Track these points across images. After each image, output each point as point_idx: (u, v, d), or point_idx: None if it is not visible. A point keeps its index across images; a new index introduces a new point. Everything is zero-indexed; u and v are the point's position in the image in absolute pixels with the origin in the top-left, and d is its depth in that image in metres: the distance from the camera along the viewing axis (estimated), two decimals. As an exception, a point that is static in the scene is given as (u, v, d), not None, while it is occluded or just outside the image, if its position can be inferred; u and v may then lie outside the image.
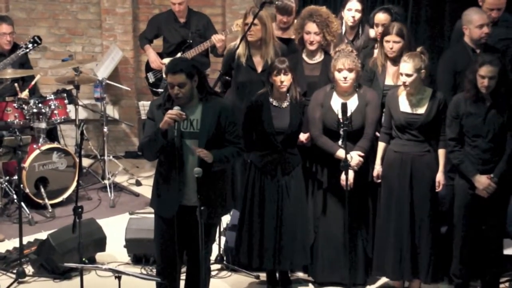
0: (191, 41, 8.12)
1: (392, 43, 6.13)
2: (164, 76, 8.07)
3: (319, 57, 6.37)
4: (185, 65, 5.10)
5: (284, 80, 5.85)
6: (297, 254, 6.00)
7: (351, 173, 5.82)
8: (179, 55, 8.01)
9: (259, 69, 6.50)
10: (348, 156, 5.69)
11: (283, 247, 5.96)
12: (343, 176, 5.79)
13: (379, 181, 5.96)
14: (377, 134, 6.05)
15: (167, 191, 5.21)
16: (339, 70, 5.88)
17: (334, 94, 6.00)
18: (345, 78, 5.87)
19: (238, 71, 6.56)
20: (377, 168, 5.97)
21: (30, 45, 7.95)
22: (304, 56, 6.39)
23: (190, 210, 5.07)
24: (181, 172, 5.12)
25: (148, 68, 8.42)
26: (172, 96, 5.09)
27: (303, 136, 6.07)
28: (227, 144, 5.20)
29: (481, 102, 5.71)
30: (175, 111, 5.03)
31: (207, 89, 5.20)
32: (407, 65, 5.78)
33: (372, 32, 6.83)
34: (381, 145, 5.99)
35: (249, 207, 6.01)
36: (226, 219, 6.76)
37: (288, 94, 5.94)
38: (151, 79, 8.40)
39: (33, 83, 8.03)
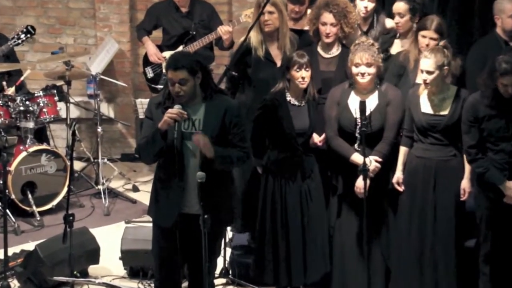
0: (194, 33, 8.10)
1: (429, 39, 6.09)
2: (164, 71, 8.07)
3: (335, 51, 6.37)
4: (187, 60, 5.10)
5: (305, 76, 5.85)
6: (319, 261, 6.01)
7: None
8: (180, 48, 8.01)
9: (279, 63, 6.46)
10: (367, 160, 5.68)
11: (308, 257, 5.97)
12: (357, 183, 5.81)
13: (401, 189, 5.96)
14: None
15: (166, 198, 5.22)
16: (357, 65, 5.87)
17: (352, 92, 5.99)
18: (362, 74, 5.86)
19: (257, 67, 6.49)
20: (398, 175, 5.97)
21: (22, 36, 7.97)
22: (319, 49, 6.39)
23: (191, 219, 5.08)
24: (181, 176, 5.13)
25: (146, 62, 8.42)
26: (173, 94, 5.10)
27: (317, 138, 6.08)
28: (231, 147, 5.18)
29: (502, 103, 5.66)
30: (175, 110, 5.03)
31: (211, 87, 5.20)
32: (428, 61, 5.75)
33: (389, 22, 6.82)
34: (402, 150, 5.98)
35: (271, 219, 5.98)
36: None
37: (305, 92, 5.94)
38: (150, 74, 8.41)
39: (22, 78, 8.05)
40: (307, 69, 5.86)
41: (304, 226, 5.96)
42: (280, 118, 5.89)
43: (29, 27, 8.01)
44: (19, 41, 7.96)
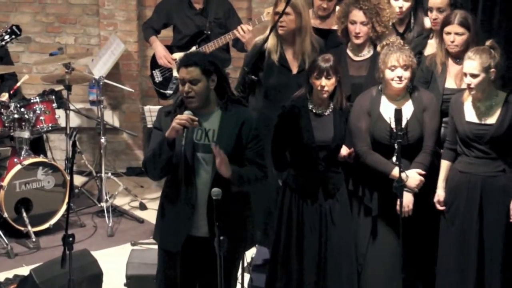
0: (209, 32, 8.11)
1: (454, 35, 6.08)
2: (174, 75, 8.04)
3: (367, 53, 6.37)
4: (201, 58, 5.11)
5: (325, 85, 5.80)
6: None
7: (409, 197, 5.77)
8: (193, 49, 8.00)
9: (295, 70, 6.50)
10: (403, 175, 5.64)
11: (327, 285, 5.94)
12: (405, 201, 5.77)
13: (442, 209, 5.92)
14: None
15: (173, 217, 5.20)
16: (392, 68, 5.84)
17: (383, 98, 5.97)
18: (399, 77, 5.84)
19: (269, 72, 6.53)
20: (439, 192, 5.93)
21: (6, 37, 7.96)
22: (348, 51, 6.39)
23: (201, 242, 5.08)
24: (191, 192, 5.11)
25: (154, 65, 8.42)
26: (183, 95, 5.08)
27: (345, 151, 6.04)
28: (247, 163, 5.17)
29: None
30: (185, 115, 5.02)
31: (228, 94, 5.18)
32: (473, 63, 5.72)
33: (428, 22, 6.79)
34: (444, 164, 5.95)
35: (285, 239, 5.98)
36: (250, 252, 6.74)
37: (332, 100, 5.89)
38: (158, 78, 8.40)
39: (18, 84, 8.06)
40: (329, 76, 5.78)
41: (322, 251, 5.93)
42: (299, 128, 5.86)
43: (13, 27, 7.97)
44: (2, 43, 7.93)
